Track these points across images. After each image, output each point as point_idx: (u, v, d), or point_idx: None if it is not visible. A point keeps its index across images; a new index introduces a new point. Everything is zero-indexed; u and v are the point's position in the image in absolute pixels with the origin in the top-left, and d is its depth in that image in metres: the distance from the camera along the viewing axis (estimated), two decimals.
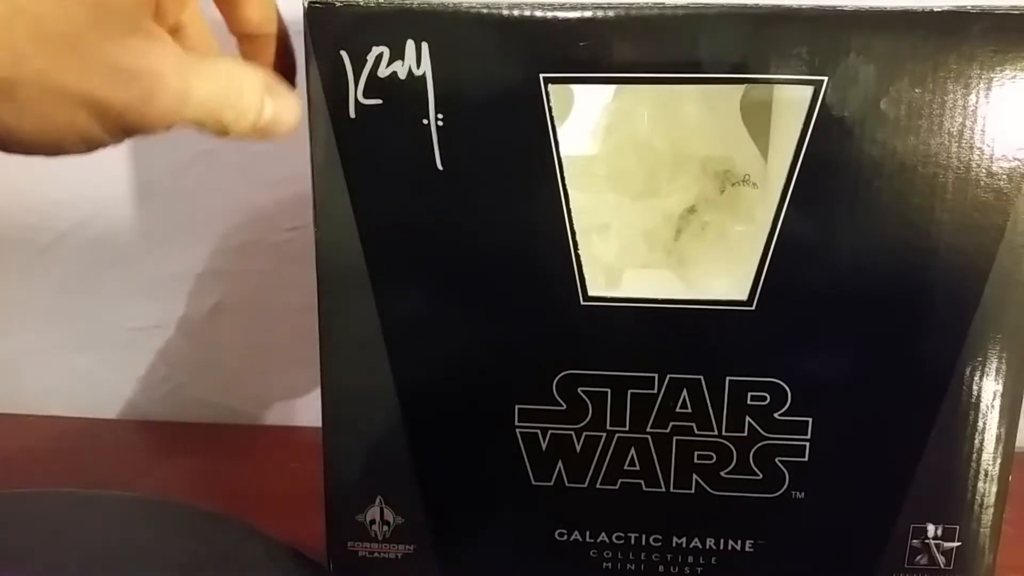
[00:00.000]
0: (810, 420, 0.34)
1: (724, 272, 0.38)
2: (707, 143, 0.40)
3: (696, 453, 0.35)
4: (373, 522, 0.37)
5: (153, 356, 0.58)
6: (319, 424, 0.36)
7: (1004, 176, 0.32)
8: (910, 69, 0.31)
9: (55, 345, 0.58)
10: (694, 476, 0.35)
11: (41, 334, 0.58)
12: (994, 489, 0.35)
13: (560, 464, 0.36)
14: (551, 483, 0.36)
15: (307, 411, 0.56)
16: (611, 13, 0.32)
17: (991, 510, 0.35)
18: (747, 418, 0.35)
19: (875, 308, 0.33)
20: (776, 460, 0.35)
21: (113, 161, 0.53)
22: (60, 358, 0.59)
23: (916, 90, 0.31)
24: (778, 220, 0.33)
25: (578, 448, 0.35)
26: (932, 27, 0.31)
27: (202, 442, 0.55)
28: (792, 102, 0.33)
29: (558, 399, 0.35)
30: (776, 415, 0.34)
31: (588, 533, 0.36)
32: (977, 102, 0.31)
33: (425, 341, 0.35)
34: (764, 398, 0.34)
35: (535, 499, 0.36)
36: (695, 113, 0.40)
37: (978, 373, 0.34)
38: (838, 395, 0.34)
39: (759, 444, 0.35)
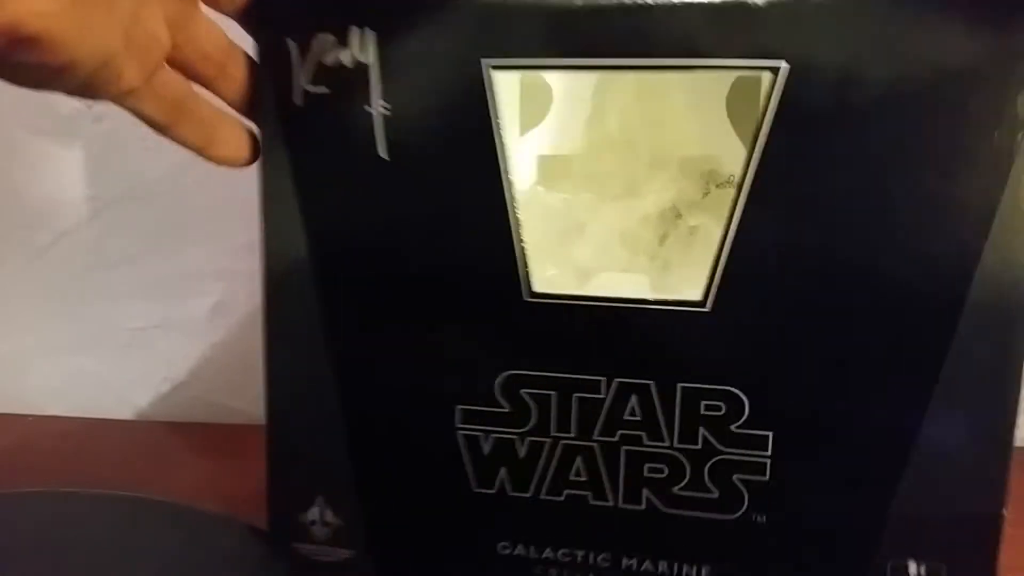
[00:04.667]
0: (771, 435, 0.32)
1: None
2: (690, 142, 0.38)
3: (646, 465, 0.32)
4: (314, 522, 0.35)
5: (153, 356, 0.58)
6: None
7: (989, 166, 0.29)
8: (880, 56, 0.29)
9: (55, 345, 0.59)
10: (644, 491, 0.33)
11: (41, 334, 0.59)
12: (988, 525, 0.31)
13: (503, 471, 0.34)
14: (493, 491, 0.34)
15: None
16: None
17: (985, 546, 0.31)
18: (701, 429, 0.32)
19: (846, 314, 0.31)
20: (734, 478, 0.32)
21: (113, 161, 0.54)
22: (60, 358, 0.59)
23: (889, 79, 0.29)
24: (733, 215, 0.31)
25: (521, 454, 0.33)
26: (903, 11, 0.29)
27: (202, 442, 0.54)
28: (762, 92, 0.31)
29: (500, 401, 0.33)
30: (732, 427, 0.32)
31: (532, 548, 0.34)
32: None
33: (367, 335, 0.34)
34: (719, 408, 0.32)
35: (477, 507, 0.34)
36: (679, 109, 0.38)
37: (964, 383, 0.30)
38: (802, 409, 0.31)
39: (714, 459, 0.32)
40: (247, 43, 0.33)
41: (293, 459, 0.35)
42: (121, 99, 0.29)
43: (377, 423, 0.34)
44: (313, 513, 0.35)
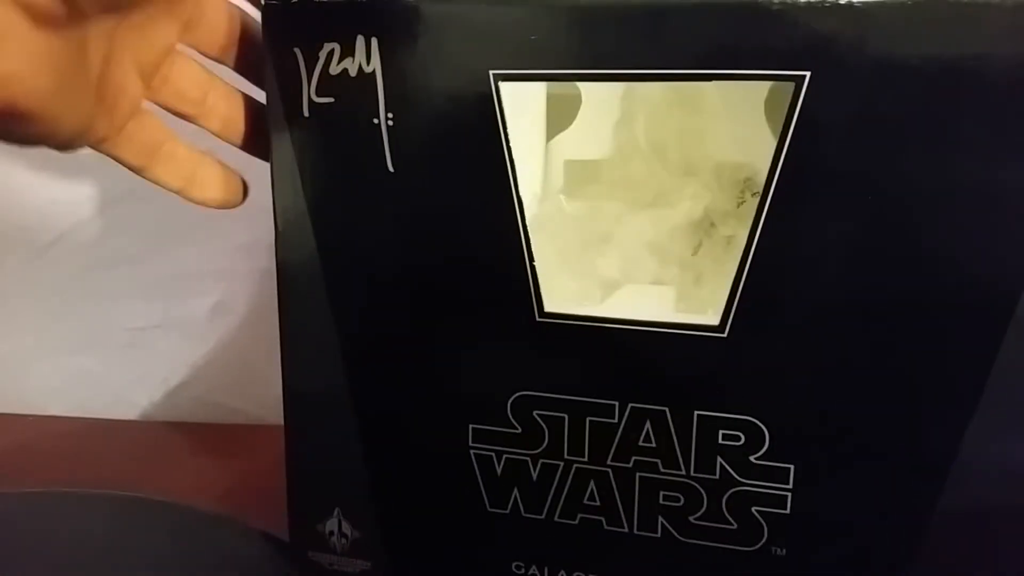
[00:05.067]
0: (792, 468, 0.30)
1: None
2: (725, 148, 0.36)
3: (661, 493, 0.31)
4: (332, 533, 0.36)
5: (153, 356, 0.57)
6: None
7: None
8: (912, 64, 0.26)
9: (55, 345, 0.58)
10: (660, 519, 0.31)
11: (41, 334, 0.58)
12: None
13: (516, 491, 0.33)
14: (507, 511, 0.33)
15: None
16: (565, 5, 0.29)
17: None
18: (719, 459, 0.30)
19: (877, 338, 0.28)
20: (753, 509, 0.30)
21: (113, 161, 0.54)
22: (60, 358, 0.58)
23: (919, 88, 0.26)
24: (755, 232, 0.29)
25: (534, 476, 0.32)
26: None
27: (202, 442, 0.54)
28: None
29: (512, 421, 0.32)
30: (752, 458, 0.30)
31: (547, 569, 0.33)
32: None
33: (380, 348, 0.34)
34: (738, 438, 0.30)
35: (490, 526, 0.33)
36: (713, 114, 0.36)
37: (1009, 402, 0.28)
38: (827, 441, 0.29)
39: (732, 490, 0.30)
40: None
41: (311, 469, 0.36)
42: (94, 147, 0.31)
43: (392, 437, 0.34)
44: (331, 524, 0.35)
